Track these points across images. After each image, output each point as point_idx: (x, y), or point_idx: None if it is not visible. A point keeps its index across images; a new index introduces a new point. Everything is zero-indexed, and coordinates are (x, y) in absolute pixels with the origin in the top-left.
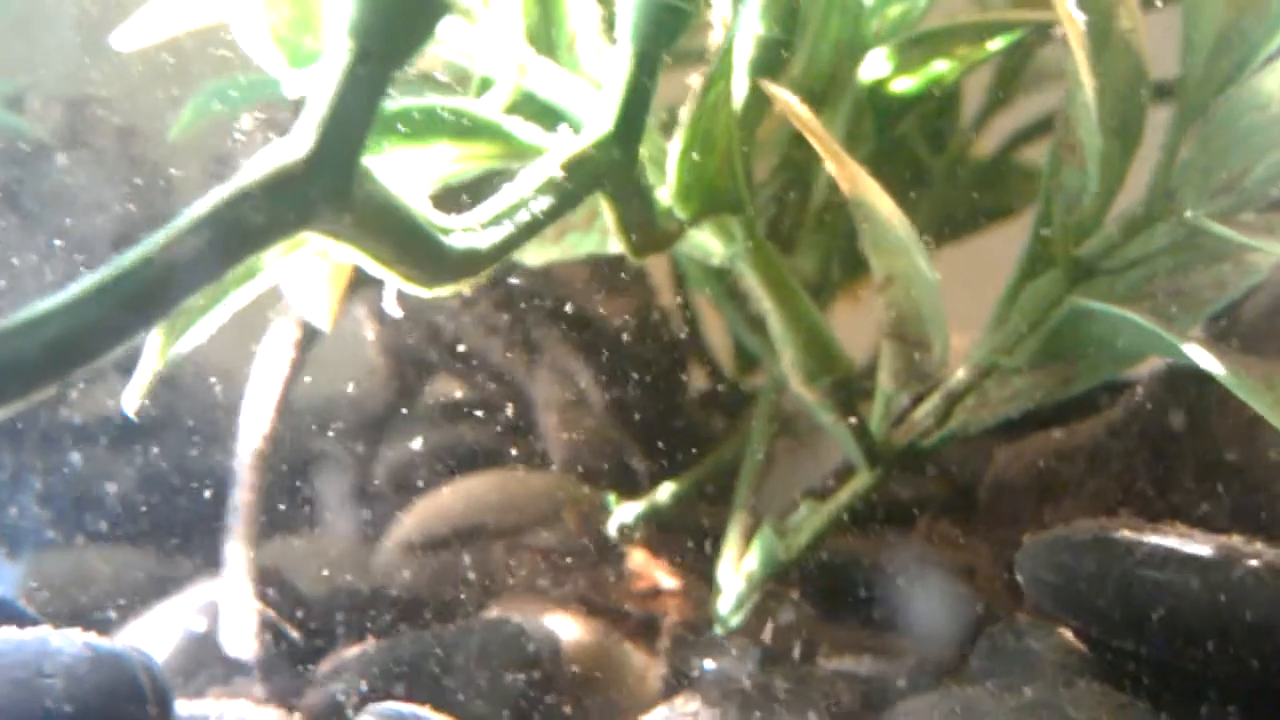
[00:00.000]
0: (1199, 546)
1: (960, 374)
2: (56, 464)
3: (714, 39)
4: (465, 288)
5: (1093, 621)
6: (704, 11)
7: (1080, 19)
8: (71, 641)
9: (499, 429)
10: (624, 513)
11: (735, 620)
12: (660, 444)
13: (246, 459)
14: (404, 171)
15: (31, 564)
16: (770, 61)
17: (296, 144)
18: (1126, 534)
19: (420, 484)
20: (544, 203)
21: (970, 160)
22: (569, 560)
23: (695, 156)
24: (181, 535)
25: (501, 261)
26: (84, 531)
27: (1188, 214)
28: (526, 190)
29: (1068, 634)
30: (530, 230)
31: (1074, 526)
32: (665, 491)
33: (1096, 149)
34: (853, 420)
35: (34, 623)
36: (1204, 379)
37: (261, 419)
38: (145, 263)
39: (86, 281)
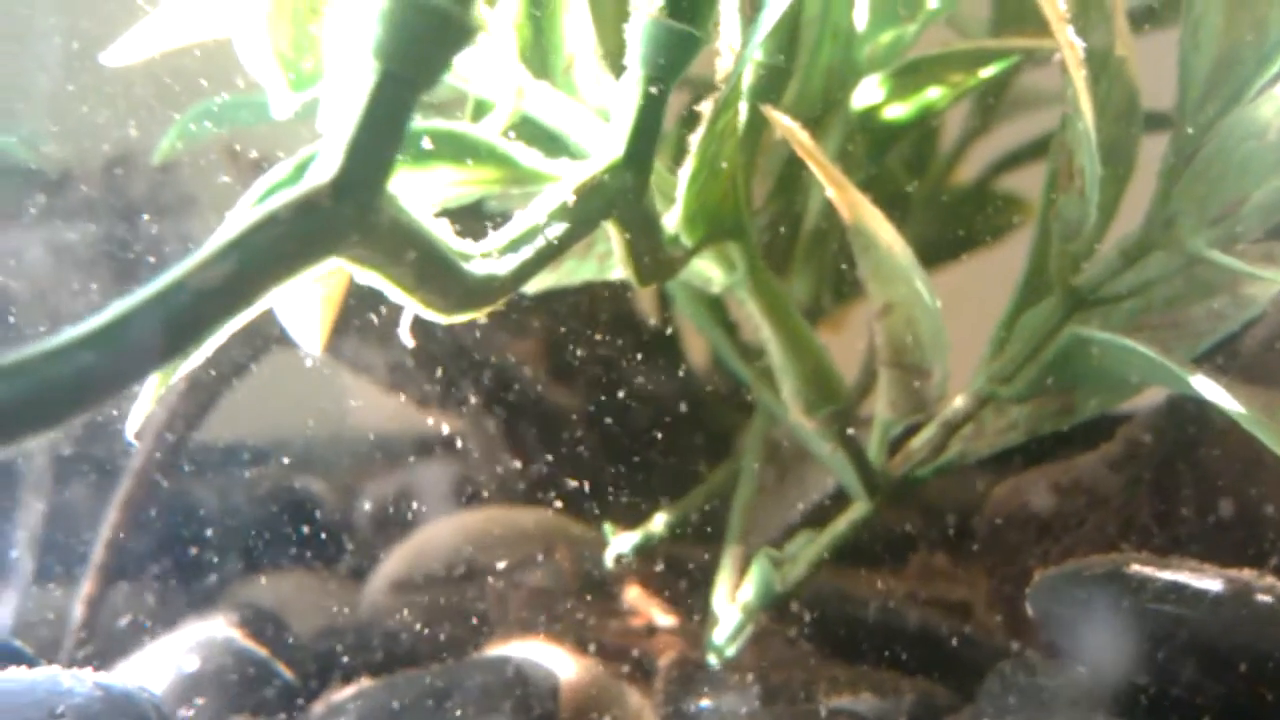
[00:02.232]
0: (1212, 581)
1: (957, 403)
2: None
3: (720, 65)
4: (481, 315)
5: (1107, 657)
6: (713, 37)
7: (1080, 45)
8: (82, 681)
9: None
10: (621, 543)
11: (730, 650)
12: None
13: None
14: (403, 195)
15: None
16: (768, 87)
17: (323, 167)
18: (1140, 569)
19: (407, 520)
20: (558, 229)
21: (951, 187)
22: (563, 597)
23: (703, 183)
24: (171, 572)
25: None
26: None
27: (1188, 242)
28: (540, 217)
29: (1081, 670)
30: (546, 257)
31: (1087, 561)
32: (660, 522)
33: (1095, 176)
34: (851, 450)
35: (33, 663)
36: (1203, 412)
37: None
38: (177, 288)
39: (117, 308)
